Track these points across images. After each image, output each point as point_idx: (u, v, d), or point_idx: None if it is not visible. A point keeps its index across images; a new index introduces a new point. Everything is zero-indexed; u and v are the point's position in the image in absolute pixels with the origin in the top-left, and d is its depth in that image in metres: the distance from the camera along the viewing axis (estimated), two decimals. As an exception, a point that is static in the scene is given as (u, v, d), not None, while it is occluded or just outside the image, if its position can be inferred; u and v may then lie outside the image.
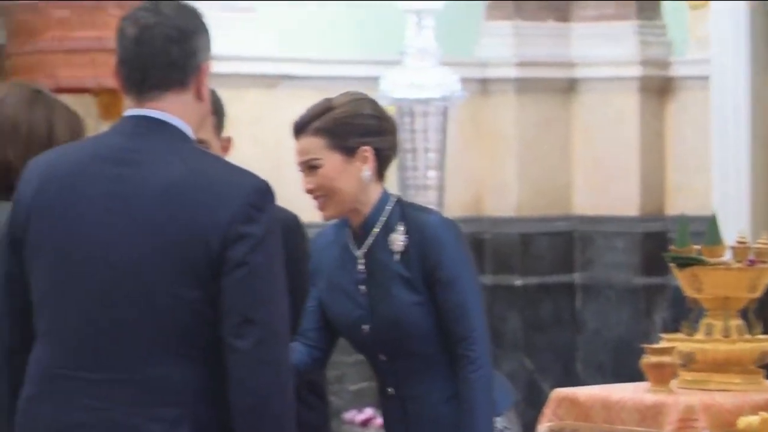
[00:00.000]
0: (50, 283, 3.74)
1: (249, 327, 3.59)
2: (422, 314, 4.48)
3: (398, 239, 4.53)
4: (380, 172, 4.57)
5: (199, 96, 3.78)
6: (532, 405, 9.22)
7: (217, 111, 4.67)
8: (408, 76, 9.17)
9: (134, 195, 3.67)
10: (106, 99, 8.24)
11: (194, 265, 3.61)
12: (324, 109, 4.61)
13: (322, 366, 4.63)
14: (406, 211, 4.58)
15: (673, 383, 6.24)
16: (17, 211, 3.81)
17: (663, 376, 6.22)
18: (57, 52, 8.09)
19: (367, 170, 4.55)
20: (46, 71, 8.11)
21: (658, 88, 10.49)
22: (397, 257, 4.50)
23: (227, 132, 4.80)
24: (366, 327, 4.53)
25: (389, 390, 4.57)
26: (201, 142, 4.48)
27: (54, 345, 3.73)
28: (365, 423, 9.13)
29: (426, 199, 9.05)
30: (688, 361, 6.28)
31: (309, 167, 4.57)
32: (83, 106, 8.41)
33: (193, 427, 3.61)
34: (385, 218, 4.56)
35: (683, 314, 6.72)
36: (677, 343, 6.33)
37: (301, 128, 4.63)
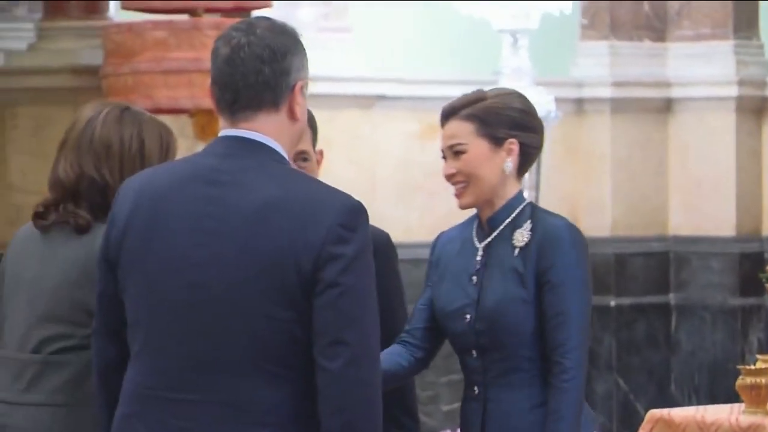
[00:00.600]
0: (142, 304, 3.74)
1: (340, 347, 3.58)
2: (525, 313, 4.44)
3: (522, 235, 4.50)
4: (521, 169, 4.54)
5: (292, 116, 3.75)
6: (626, 426, 9.20)
7: (311, 126, 4.68)
8: (504, 95, 9.17)
9: (226, 216, 3.66)
10: (202, 119, 8.27)
11: (286, 286, 3.59)
12: (476, 98, 4.57)
13: (424, 366, 4.58)
14: (535, 212, 4.56)
15: (771, 405, 6.22)
16: (111, 231, 3.80)
17: (759, 397, 6.18)
18: (154, 73, 8.12)
19: (510, 162, 4.52)
20: (143, 92, 8.14)
21: (755, 108, 10.46)
22: (516, 252, 4.47)
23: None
24: (468, 316, 4.47)
25: (475, 389, 4.52)
26: (301, 152, 4.52)
27: (146, 365, 3.73)
28: (456, 436, 9.16)
29: (521, 218, 9.08)
30: (786, 383, 6.26)
31: (454, 152, 4.52)
32: (179, 127, 8.47)
33: None
34: (514, 215, 4.53)
35: (781, 335, 6.71)
36: (774, 364, 6.31)
37: (450, 113, 4.56)
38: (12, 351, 4.35)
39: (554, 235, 4.48)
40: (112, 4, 8.95)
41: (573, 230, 4.53)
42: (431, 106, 9.88)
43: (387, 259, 4.55)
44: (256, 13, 8.64)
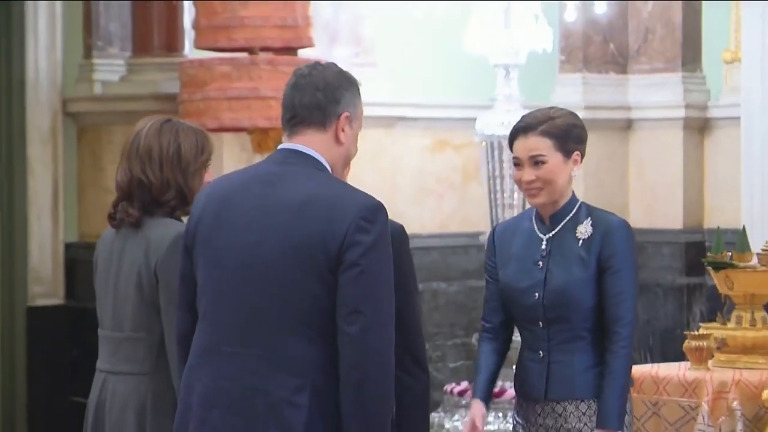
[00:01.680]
0: (208, 278, 3.81)
1: (357, 316, 3.63)
2: (587, 291, 4.43)
3: (586, 228, 4.50)
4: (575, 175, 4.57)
5: (337, 139, 3.81)
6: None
7: None
8: (498, 117, 9.15)
9: (273, 208, 3.73)
10: (259, 136, 8.26)
11: (317, 265, 3.66)
12: (548, 117, 4.58)
13: (507, 351, 4.60)
14: (592, 210, 4.55)
15: (710, 363, 6.19)
16: (189, 224, 3.92)
17: (701, 357, 6.19)
18: (220, 99, 8.13)
19: (576, 170, 4.56)
20: (211, 115, 8.14)
21: (698, 127, 10.44)
22: (580, 242, 4.47)
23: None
24: (537, 294, 4.46)
25: (540, 353, 4.49)
26: None
27: (208, 326, 3.79)
28: (461, 393, 9.11)
29: (511, 215, 9.04)
30: (722, 345, 6.23)
31: (534, 162, 4.52)
32: (241, 143, 8.51)
33: (312, 392, 3.65)
34: (574, 211, 4.53)
35: (718, 307, 6.69)
36: (713, 330, 6.29)
37: (528, 129, 4.58)
38: (108, 331, 4.38)
39: (615, 230, 4.49)
40: (187, 44, 8.95)
41: (627, 226, 4.55)
42: (441, 125, 9.98)
43: (401, 244, 4.52)
44: (300, 52, 8.66)
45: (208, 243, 3.81)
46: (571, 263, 4.46)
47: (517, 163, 4.56)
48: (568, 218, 4.51)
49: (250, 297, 3.73)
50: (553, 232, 4.52)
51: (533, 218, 4.58)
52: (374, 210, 3.72)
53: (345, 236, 3.65)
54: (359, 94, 3.88)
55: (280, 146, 3.86)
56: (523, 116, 4.66)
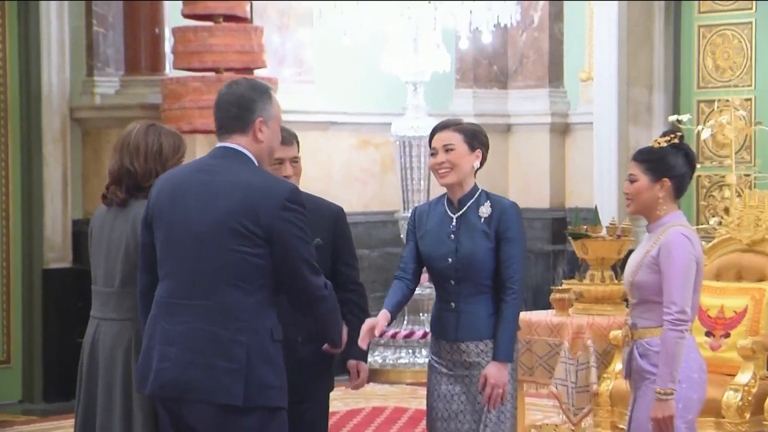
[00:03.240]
0: (164, 247, 3.81)
1: (292, 275, 3.72)
2: (488, 256, 4.42)
3: (486, 209, 4.49)
4: (476, 170, 4.54)
5: (256, 139, 3.80)
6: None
7: (297, 141, 4.63)
8: (408, 122, 9.16)
9: (213, 191, 3.74)
10: (224, 137, 8.24)
11: (249, 232, 3.68)
12: (459, 121, 4.60)
13: (413, 292, 4.57)
14: (490, 195, 4.54)
15: (570, 310, 6.22)
16: (148, 204, 3.91)
17: (563, 306, 6.23)
18: (194, 108, 8.09)
19: (477, 163, 4.53)
20: (187, 120, 8.11)
21: (561, 130, 10.51)
22: (482, 219, 4.47)
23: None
24: (450, 259, 4.45)
25: (452, 304, 4.48)
26: (294, 157, 4.44)
27: (166, 284, 3.80)
28: (380, 335, 9.13)
29: (419, 197, 9.06)
30: (579, 297, 6.27)
31: (446, 150, 4.50)
32: (210, 142, 8.44)
33: (249, 333, 3.66)
34: (476, 197, 4.52)
35: (576, 268, 6.73)
36: (572, 286, 6.33)
37: (445, 127, 4.57)
38: (100, 286, 4.33)
39: (507, 209, 4.49)
40: (167, 65, 8.90)
41: (517, 207, 4.55)
42: (364, 128, 9.97)
43: (342, 219, 4.55)
44: (256, 72, 8.62)
45: (164, 218, 3.81)
46: (476, 235, 4.46)
47: (433, 153, 4.57)
48: (471, 201, 4.51)
49: (196, 260, 3.71)
50: (461, 212, 4.52)
51: (445, 203, 4.58)
52: (294, 192, 3.75)
53: (274, 212, 3.67)
54: (270, 99, 3.84)
55: (217, 145, 3.85)
56: (441, 120, 4.67)
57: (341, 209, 4.58)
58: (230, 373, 3.62)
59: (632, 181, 4.27)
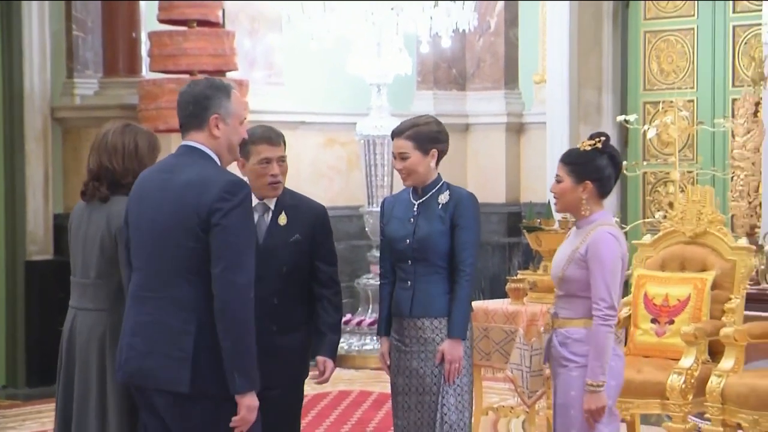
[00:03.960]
0: (134, 242, 3.82)
1: (219, 261, 3.60)
2: (443, 240, 4.47)
3: (445, 197, 4.54)
4: (438, 162, 4.57)
5: (212, 135, 3.74)
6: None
7: (283, 141, 4.58)
8: (372, 122, 9.16)
9: (167, 189, 3.72)
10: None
11: (193, 227, 3.64)
12: (413, 124, 4.59)
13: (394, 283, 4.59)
14: (450, 186, 4.59)
15: (525, 299, 6.20)
16: (127, 205, 3.90)
17: (518, 295, 6.22)
18: (169, 109, 8.02)
19: (433, 163, 4.56)
20: (163, 120, 8.07)
21: (516, 129, 10.53)
22: (440, 206, 4.51)
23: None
24: (408, 240, 4.51)
25: (408, 283, 4.51)
26: (281, 156, 4.43)
27: (136, 277, 3.80)
28: (359, 324, 9.16)
29: (382, 193, 9.06)
30: (533, 286, 6.26)
31: (402, 158, 4.54)
32: (184, 140, 8.41)
33: (198, 325, 3.62)
34: (437, 187, 4.56)
35: (530, 259, 6.74)
36: (527, 276, 6.32)
37: (399, 134, 4.58)
38: (78, 278, 4.30)
39: (463, 198, 4.55)
40: (144, 67, 8.85)
41: (473, 197, 4.60)
42: (331, 127, 9.95)
43: (323, 220, 4.52)
44: (228, 74, 8.59)
45: (133, 216, 3.81)
46: (433, 220, 4.51)
47: (395, 156, 4.58)
48: (433, 190, 4.57)
49: (154, 254, 3.71)
50: (422, 200, 4.58)
51: (410, 191, 4.64)
52: (234, 185, 3.66)
53: (210, 204, 3.61)
54: (229, 96, 3.76)
55: (181, 143, 3.82)
56: (400, 123, 4.65)
57: (323, 208, 4.56)
58: (179, 362, 3.60)
59: (558, 182, 4.28)
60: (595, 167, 4.23)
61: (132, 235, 3.81)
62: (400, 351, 4.56)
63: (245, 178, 4.41)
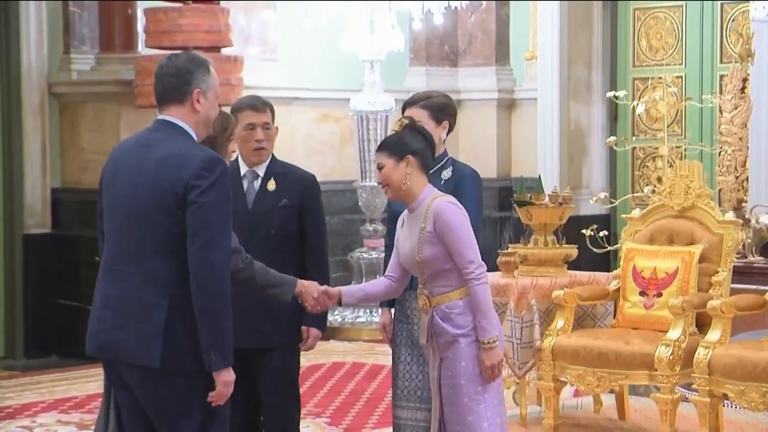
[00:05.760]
0: (107, 214, 3.75)
1: (195, 239, 3.53)
2: None
3: (448, 173, 4.54)
4: (445, 138, 4.59)
5: (193, 110, 3.66)
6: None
7: (271, 110, 4.56)
8: (365, 98, 9.13)
9: (143, 164, 3.63)
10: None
11: (169, 204, 3.57)
12: (426, 96, 4.58)
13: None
14: (455, 162, 4.59)
15: (515, 272, 6.22)
16: (101, 176, 3.83)
17: (509, 268, 6.23)
18: (165, 84, 8.02)
19: (444, 135, 4.58)
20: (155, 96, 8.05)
21: (507, 105, 10.51)
22: (442, 182, 4.49)
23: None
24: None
25: None
26: (265, 123, 4.42)
27: (107, 250, 3.74)
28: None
29: (375, 168, 9.03)
30: (524, 260, 6.28)
31: None
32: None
33: (171, 300, 3.55)
34: (443, 162, 4.55)
35: (521, 233, 6.73)
36: (517, 249, 6.33)
37: (413, 103, 4.56)
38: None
39: (465, 175, 4.54)
40: (140, 44, 8.81)
41: (474, 174, 4.57)
42: (325, 103, 9.93)
43: (315, 188, 4.54)
44: (223, 50, 8.55)
45: (107, 189, 3.75)
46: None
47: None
48: (438, 165, 4.53)
49: (127, 229, 3.64)
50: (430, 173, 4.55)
51: None
52: (212, 162, 3.58)
53: (188, 181, 3.54)
54: (209, 71, 3.68)
55: (156, 118, 3.73)
56: (413, 94, 4.64)
57: (313, 177, 4.57)
58: (150, 336, 3.54)
59: (380, 168, 4.19)
60: (408, 142, 4.19)
61: (105, 208, 3.75)
62: (402, 322, 4.53)
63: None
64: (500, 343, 4.12)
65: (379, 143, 4.31)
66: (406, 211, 4.25)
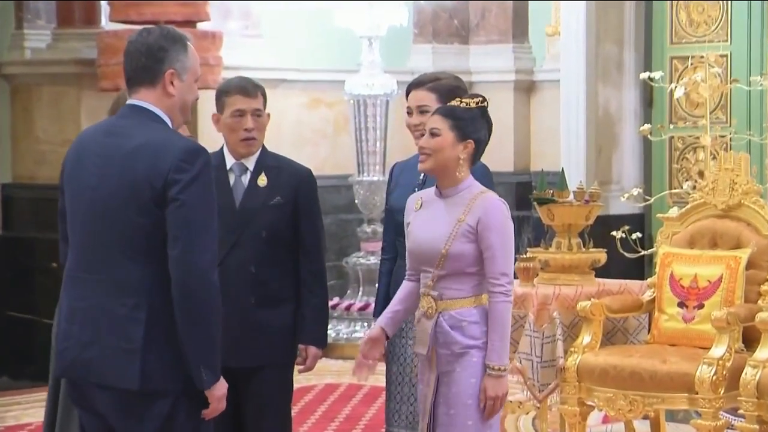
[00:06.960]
0: (70, 214, 3.72)
1: (177, 241, 3.50)
2: None
3: None
4: None
5: (166, 93, 3.64)
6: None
7: (263, 95, 4.57)
8: (363, 80, 9.16)
9: (111, 155, 3.60)
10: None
11: (144, 201, 3.53)
12: (435, 77, 4.62)
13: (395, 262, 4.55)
14: None
15: (535, 280, 6.20)
16: (62, 170, 3.83)
17: (528, 275, 6.22)
18: (132, 64, 8.05)
19: None
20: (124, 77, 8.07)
21: (525, 88, 10.53)
22: None
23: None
24: None
25: None
26: (256, 109, 4.44)
27: (70, 255, 3.72)
28: (348, 308, 9.19)
29: (374, 160, 9.05)
30: (545, 266, 6.27)
31: (421, 111, 4.54)
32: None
33: (149, 309, 3.53)
34: None
35: (541, 235, 6.73)
36: (538, 254, 6.31)
37: (419, 85, 4.59)
38: None
39: (475, 169, 4.41)
40: (103, 17, 8.83)
41: (484, 167, 4.54)
42: (316, 86, 9.94)
43: (310, 183, 4.55)
44: (199, 25, 8.56)
45: (69, 184, 3.73)
46: None
47: (409, 112, 4.61)
48: None
49: (93, 230, 3.61)
50: None
51: (419, 158, 4.62)
52: (193, 153, 3.56)
53: (167, 175, 3.51)
54: (185, 49, 3.66)
55: (126, 102, 3.71)
56: (419, 75, 4.67)
57: (309, 171, 4.58)
58: (126, 354, 3.51)
59: (434, 135, 4.14)
60: (478, 126, 4.19)
61: (68, 205, 3.72)
62: (396, 336, 4.55)
63: (220, 135, 4.42)
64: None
65: (442, 106, 4.25)
66: (427, 192, 4.25)
